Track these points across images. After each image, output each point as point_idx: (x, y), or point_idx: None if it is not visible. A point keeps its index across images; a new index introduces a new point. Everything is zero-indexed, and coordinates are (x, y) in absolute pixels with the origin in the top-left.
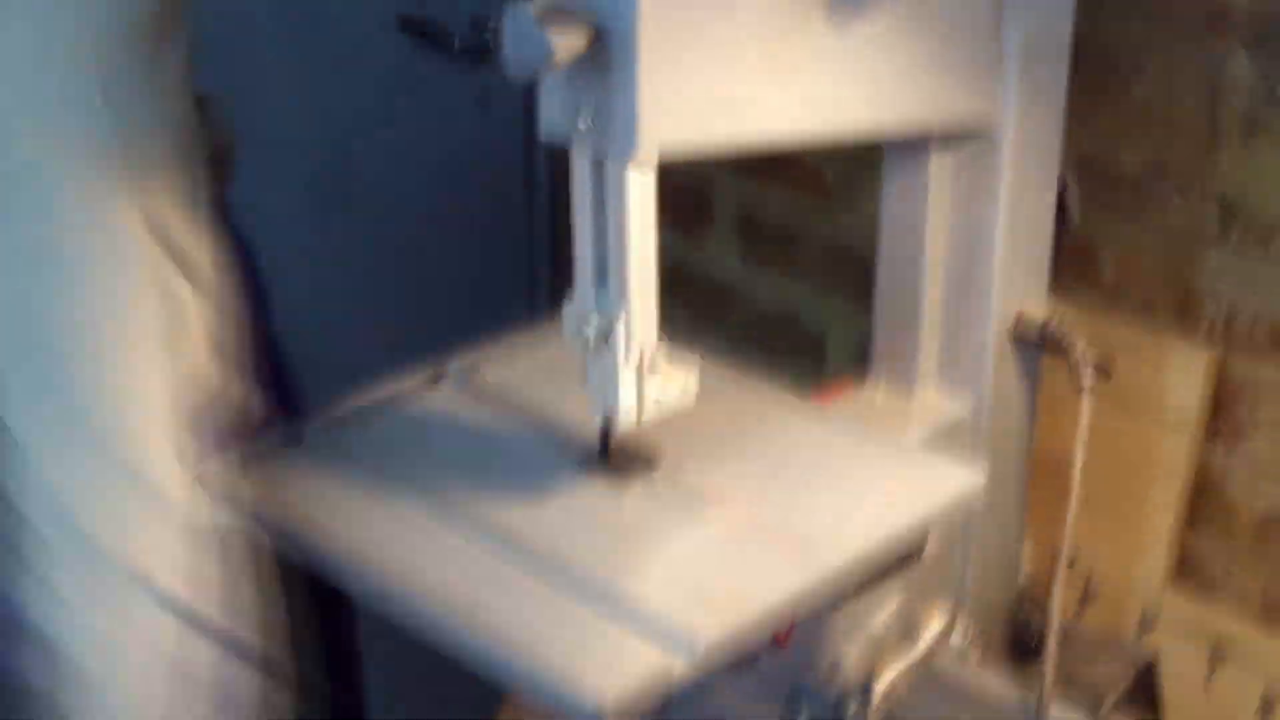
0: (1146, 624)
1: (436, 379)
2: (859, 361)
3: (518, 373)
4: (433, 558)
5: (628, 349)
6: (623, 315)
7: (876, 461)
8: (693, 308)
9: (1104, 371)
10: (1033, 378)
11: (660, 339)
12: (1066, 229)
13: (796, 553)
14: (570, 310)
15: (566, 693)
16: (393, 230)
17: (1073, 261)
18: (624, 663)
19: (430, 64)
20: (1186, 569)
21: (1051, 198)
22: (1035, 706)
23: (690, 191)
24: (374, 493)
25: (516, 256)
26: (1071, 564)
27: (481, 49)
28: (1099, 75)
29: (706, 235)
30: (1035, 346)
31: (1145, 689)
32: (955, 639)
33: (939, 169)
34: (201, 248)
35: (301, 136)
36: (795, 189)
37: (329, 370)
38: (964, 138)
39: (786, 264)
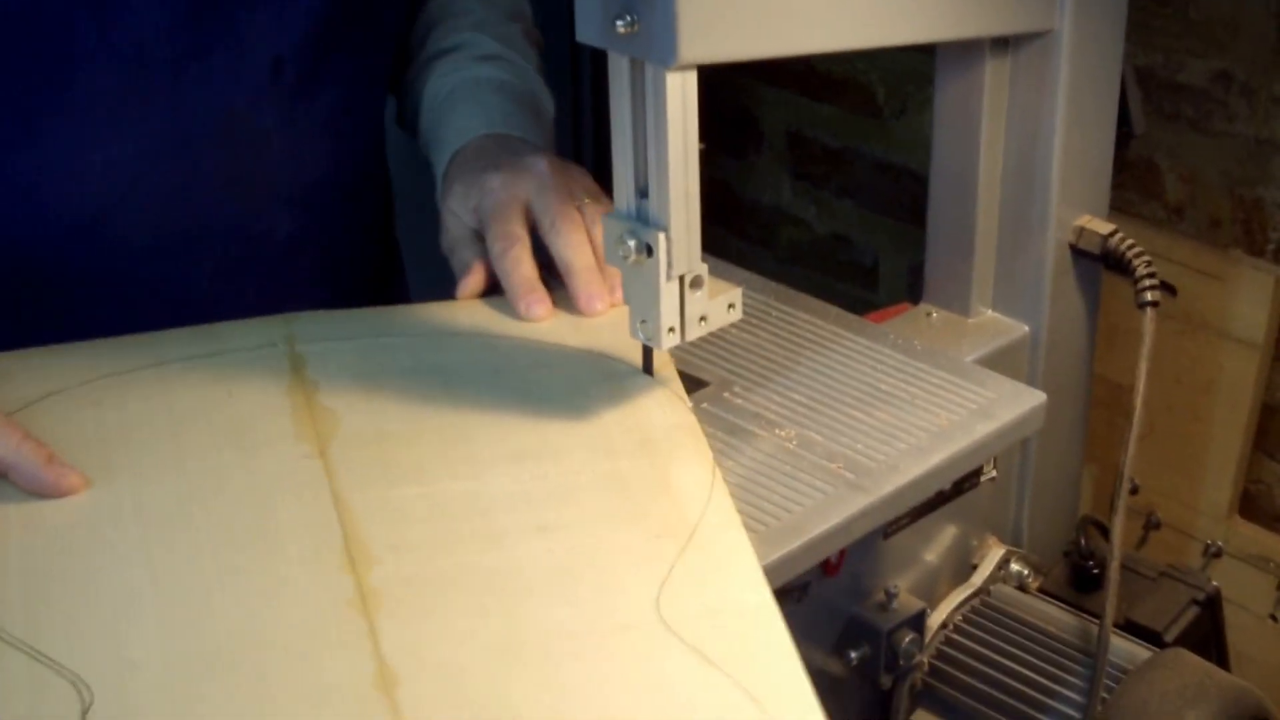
0: (1211, 555)
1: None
2: (912, 286)
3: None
4: None
5: (670, 263)
6: (665, 228)
7: (933, 381)
8: (743, 233)
9: (1169, 288)
10: (1094, 296)
11: (704, 257)
12: (1129, 139)
13: (847, 477)
14: (610, 225)
15: None
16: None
17: (1135, 178)
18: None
19: None
20: (1253, 497)
21: (1114, 103)
22: (1097, 638)
23: (738, 113)
24: None
25: None
26: (1135, 492)
27: None
28: None
29: (756, 158)
30: (1097, 261)
31: (1210, 621)
32: (1014, 569)
33: (995, 73)
34: None
35: None
36: (846, 108)
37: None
38: (1021, 39)
39: (838, 187)
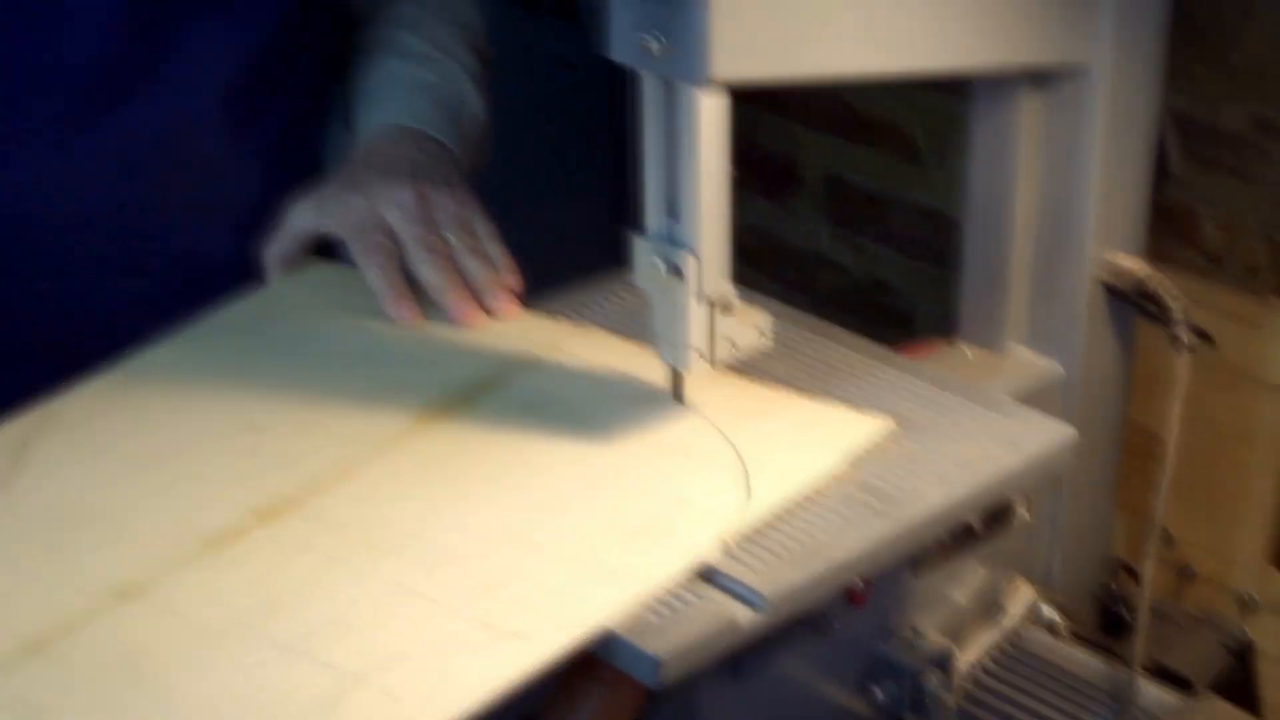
0: (1246, 605)
1: None
2: (949, 334)
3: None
4: None
5: (700, 283)
6: (694, 250)
7: (962, 413)
8: (779, 276)
9: (1206, 336)
10: (1127, 339)
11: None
12: (1165, 182)
13: (873, 505)
14: (640, 245)
15: (626, 639)
16: (481, 190)
17: (1172, 225)
18: (687, 611)
19: (520, 25)
20: None
21: (1149, 143)
22: (1124, 685)
23: (776, 156)
24: None
25: (601, 215)
26: (1169, 542)
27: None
28: (1202, 30)
29: (794, 202)
30: (1130, 305)
31: (1243, 672)
32: (1043, 612)
33: (1030, 111)
34: None
35: None
36: (884, 153)
37: None
38: (1056, 77)
39: (876, 231)
